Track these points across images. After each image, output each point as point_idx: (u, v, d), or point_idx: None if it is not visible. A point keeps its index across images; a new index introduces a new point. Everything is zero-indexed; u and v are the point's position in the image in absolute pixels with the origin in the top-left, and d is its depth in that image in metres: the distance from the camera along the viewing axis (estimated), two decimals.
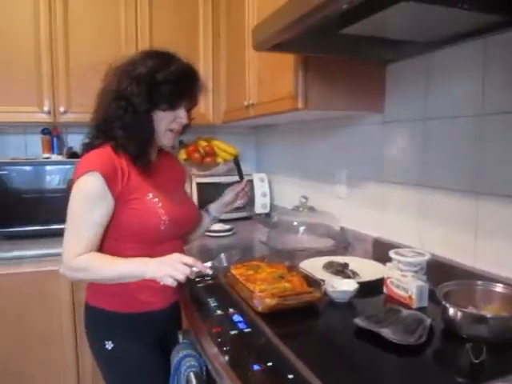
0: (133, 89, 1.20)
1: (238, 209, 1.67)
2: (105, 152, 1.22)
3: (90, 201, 1.18)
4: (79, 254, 1.18)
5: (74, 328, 2.07)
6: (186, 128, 1.36)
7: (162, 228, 1.26)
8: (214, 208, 1.58)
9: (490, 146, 1.24)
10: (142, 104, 1.21)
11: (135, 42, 2.37)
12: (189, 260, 1.16)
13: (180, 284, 1.16)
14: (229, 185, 1.63)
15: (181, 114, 1.27)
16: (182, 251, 1.35)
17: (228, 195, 1.57)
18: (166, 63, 1.23)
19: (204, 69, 2.53)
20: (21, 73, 2.24)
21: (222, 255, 1.36)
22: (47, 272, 1.98)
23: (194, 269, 1.16)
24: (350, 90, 1.61)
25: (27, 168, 2.18)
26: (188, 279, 1.16)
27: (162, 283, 1.16)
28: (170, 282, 1.14)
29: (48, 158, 2.43)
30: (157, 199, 1.27)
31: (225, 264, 1.35)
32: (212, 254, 1.71)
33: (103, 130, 1.25)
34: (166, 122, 1.26)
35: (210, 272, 1.20)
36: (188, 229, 1.45)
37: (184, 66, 1.26)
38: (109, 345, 1.27)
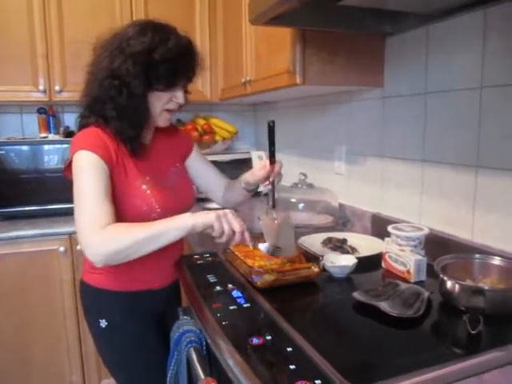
0: (128, 68, 1.11)
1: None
2: (94, 132, 1.16)
3: (92, 172, 1.10)
4: (105, 225, 1.05)
5: (75, 306, 2.10)
6: (182, 106, 1.31)
7: (149, 214, 1.19)
8: (245, 179, 1.45)
9: (490, 119, 1.23)
10: (138, 86, 1.13)
11: (130, 16, 2.33)
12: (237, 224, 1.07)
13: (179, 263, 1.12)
14: (228, 163, 1.61)
15: (178, 93, 1.20)
16: (179, 242, 1.29)
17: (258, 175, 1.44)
18: (163, 39, 1.13)
19: (201, 45, 2.49)
20: (15, 51, 2.21)
21: None
22: (47, 251, 1.99)
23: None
24: (349, 65, 1.58)
25: (24, 148, 2.16)
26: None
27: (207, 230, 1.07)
28: (222, 230, 1.05)
29: (45, 137, 2.41)
30: (145, 186, 1.21)
31: None
32: None
33: (94, 110, 1.19)
34: (162, 103, 1.19)
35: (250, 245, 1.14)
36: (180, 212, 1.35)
37: (182, 41, 1.17)
38: (103, 323, 1.26)
